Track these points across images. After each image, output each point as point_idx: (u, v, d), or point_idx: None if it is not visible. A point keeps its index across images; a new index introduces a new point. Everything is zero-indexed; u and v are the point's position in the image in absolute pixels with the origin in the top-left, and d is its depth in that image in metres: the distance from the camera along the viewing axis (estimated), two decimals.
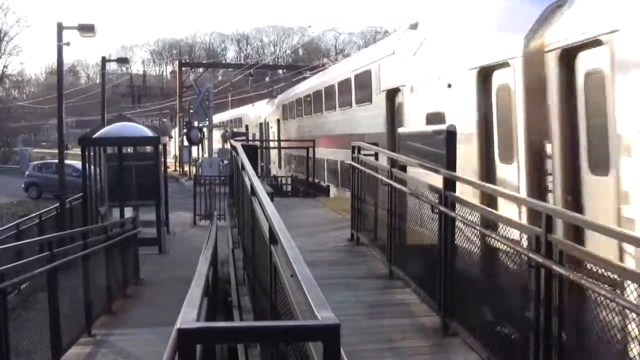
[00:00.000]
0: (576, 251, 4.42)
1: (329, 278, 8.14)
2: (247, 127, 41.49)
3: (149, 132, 20.74)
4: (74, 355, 8.71)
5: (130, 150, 20.31)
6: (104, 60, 35.68)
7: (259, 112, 38.42)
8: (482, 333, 5.72)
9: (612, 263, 4.12)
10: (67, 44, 19.38)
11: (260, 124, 36.76)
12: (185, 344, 2.17)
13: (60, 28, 18.88)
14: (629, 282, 3.85)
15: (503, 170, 8.02)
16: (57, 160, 22.36)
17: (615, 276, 4.09)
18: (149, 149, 20.26)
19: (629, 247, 5.15)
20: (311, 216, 14.33)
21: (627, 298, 3.82)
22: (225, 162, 25.01)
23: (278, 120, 31.65)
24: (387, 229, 8.55)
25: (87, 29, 19.55)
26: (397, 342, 6.17)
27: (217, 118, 55.74)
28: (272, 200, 5.46)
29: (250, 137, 38.57)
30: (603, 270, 4.20)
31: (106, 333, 9.99)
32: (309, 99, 25.60)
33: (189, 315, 2.91)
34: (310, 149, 22.06)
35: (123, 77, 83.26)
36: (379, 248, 9.24)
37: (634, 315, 3.72)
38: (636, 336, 3.76)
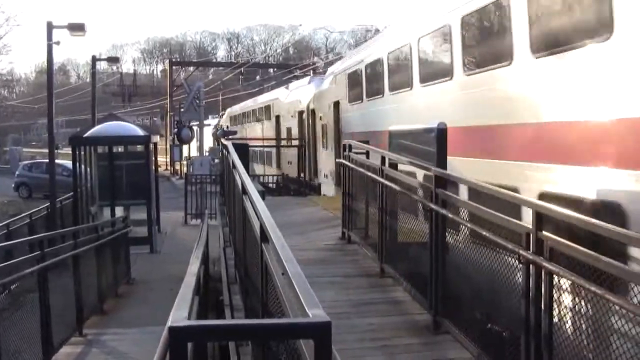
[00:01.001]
0: (567, 248, 4.43)
1: (320, 276, 8.15)
2: (277, 118, 31.15)
3: (139, 131, 20.67)
4: (65, 354, 8.69)
5: (120, 149, 20.23)
6: (94, 59, 35.51)
7: (297, 96, 27.06)
8: (474, 331, 5.74)
9: (604, 260, 4.13)
10: (57, 43, 19.32)
11: (300, 114, 25.88)
12: (176, 342, 2.17)
13: (50, 27, 18.81)
14: (621, 279, 3.87)
15: None
16: (47, 160, 22.28)
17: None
18: (139, 148, 20.20)
19: None
20: (303, 215, 14.35)
21: (617, 295, 3.84)
22: (217, 160, 24.92)
23: (336, 105, 19.10)
24: (378, 227, 8.56)
25: (77, 27, 19.49)
26: (388, 340, 6.18)
27: (240, 109, 45.45)
28: (263, 199, 5.46)
29: (284, 135, 29.61)
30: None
31: (97, 332, 9.96)
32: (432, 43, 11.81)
33: (179, 314, 2.91)
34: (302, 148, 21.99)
35: (113, 76, 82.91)
36: (370, 246, 9.26)
37: (624, 312, 3.75)
38: (626, 333, 3.78)
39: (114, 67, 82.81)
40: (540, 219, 4.64)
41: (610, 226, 4.22)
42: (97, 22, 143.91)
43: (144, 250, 17.38)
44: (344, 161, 10.60)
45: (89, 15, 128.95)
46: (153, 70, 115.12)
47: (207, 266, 9.26)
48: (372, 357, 5.84)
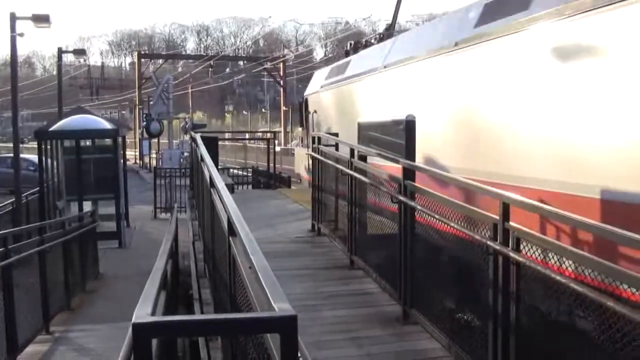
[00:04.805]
0: (532, 238, 4.47)
1: (290, 269, 8.14)
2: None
3: (107, 125, 20.39)
4: (31, 353, 8.54)
5: (88, 143, 19.95)
6: (60, 52, 34.78)
7: None
8: (443, 321, 5.78)
9: (568, 249, 4.18)
10: (21, 34, 18.91)
11: None
12: (140, 339, 2.13)
13: (13, 18, 18.40)
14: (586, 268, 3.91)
15: None
16: (12, 155, 21.84)
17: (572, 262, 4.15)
18: (107, 141, 19.94)
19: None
20: (272, 207, 14.32)
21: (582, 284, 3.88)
22: (186, 153, 24.74)
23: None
24: (348, 219, 8.57)
25: (41, 19, 19.08)
26: (357, 332, 6.19)
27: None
28: (232, 192, 5.42)
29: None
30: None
31: (65, 330, 9.82)
32: None
33: (143, 310, 2.86)
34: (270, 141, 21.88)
35: (81, 68, 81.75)
36: (340, 238, 9.27)
37: (589, 301, 3.79)
38: (589, 319, 3.83)
39: (81, 60, 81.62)
40: (507, 209, 4.68)
41: (577, 217, 4.26)
42: (63, 14, 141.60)
43: (112, 245, 17.20)
44: (313, 153, 10.58)
45: (55, 6, 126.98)
46: (121, 62, 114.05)
47: (177, 260, 9.18)
48: (340, 349, 5.84)
